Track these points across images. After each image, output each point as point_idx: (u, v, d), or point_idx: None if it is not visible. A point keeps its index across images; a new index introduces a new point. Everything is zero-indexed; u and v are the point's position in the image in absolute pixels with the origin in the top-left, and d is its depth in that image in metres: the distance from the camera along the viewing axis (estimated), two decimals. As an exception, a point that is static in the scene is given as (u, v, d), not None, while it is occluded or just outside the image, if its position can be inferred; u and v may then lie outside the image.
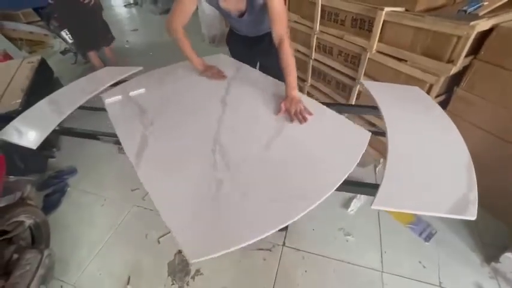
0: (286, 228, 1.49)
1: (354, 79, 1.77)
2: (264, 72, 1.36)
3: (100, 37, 2.89)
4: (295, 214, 0.70)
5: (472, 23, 1.10)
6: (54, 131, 1.03)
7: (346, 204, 1.59)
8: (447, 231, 1.43)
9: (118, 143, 0.95)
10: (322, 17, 1.82)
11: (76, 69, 3.39)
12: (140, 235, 1.54)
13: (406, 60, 1.41)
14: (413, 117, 1.00)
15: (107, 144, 1.12)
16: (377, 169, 1.80)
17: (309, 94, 2.30)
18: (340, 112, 1.03)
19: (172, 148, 0.90)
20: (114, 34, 3.26)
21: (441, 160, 0.81)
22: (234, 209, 0.71)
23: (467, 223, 1.45)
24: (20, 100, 1.90)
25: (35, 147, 0.94)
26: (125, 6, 7.09)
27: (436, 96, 1.40)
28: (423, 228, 1.43)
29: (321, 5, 1.77)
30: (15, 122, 1.07)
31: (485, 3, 1.21)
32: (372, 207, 0.68)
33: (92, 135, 1.07)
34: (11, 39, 3.86)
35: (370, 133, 0.87)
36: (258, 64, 1.59)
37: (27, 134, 1.01)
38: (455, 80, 1.38)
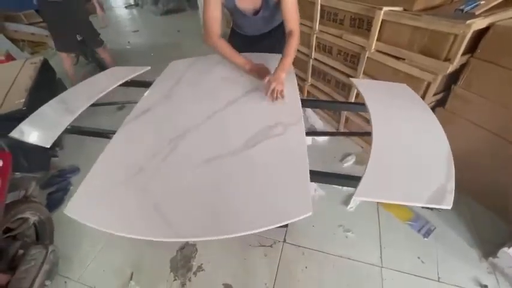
0: (286, 224, 1.51)
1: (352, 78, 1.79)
2: None
3: (75, 40, 2.63)
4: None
5: (468, 22, 1.12)
6: (65, 130, 1.04)
7: (346, 201, 1.61)
8: (446, 228, 1.44)
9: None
10: (321, 16, 1.85)
11: (78, 69, 3.41)
12: (142, 232, 1.56)
13: (404, 59, 1.44)
14: (399, 112, 1.03)
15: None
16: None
17: (308, 93, 2.33)
18: (332, 109, 1.06)
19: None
20: (115, 35, 3.28)
21: (422, 153, 0.84)
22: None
23: (465, 219, 1.47)
24: (23, 100, 1.92)
25: (48, 146, 0.95)
26: (125, 7, 7.13)
27: (434, 94, 1.42)
28: (422, 225, 1.45)
29: (320, 5, 1.80)
30: (27, 121, 1.07)
31: (482, 2, 1.23)
32: (354, 197, 0.71)
33: (102, 134, 1.09)
34: (13, 40, 3.90)
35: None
36: None
37: (40, 132, 1.02)
38: (453, 78, 1.40)
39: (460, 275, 1.26)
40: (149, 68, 1.42)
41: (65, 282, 1.38)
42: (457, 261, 1.31)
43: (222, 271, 1.36)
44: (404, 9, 1.40)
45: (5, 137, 1.33)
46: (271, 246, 1.44)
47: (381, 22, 1.44)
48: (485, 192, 1.48)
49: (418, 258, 1.33)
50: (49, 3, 2.26)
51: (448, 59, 1.26)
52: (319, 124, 2.20)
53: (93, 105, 1.20)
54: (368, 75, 1.69)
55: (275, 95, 1.03)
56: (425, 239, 1.40)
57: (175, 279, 1.34)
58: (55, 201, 1.75)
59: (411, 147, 0.86)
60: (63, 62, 2.68)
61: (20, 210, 1.20)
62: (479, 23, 1.15)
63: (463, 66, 1.33)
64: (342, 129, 2.10)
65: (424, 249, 1.36)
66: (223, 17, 1.25)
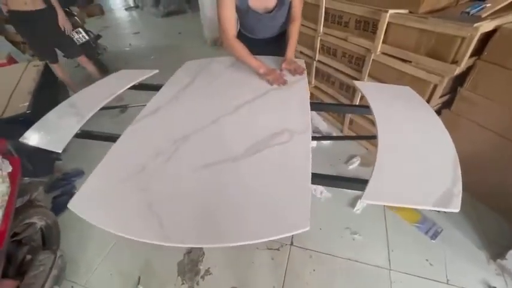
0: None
1: (357, 80, 1.80)
2: None
3: (54, 50, 2.53)
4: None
5: (475, 25, 1.13)
6: (75, 134, 1.04)
7: (352, 203, 1.61)
8: (453, 230, 1.44)
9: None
10: (325, 19, 1.85)
11: (79, 72, 3.41)
12: (149, 236, 1.55)
13: (410, 61, 1.44)
14: (403, 115, 1.03)
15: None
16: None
17: (312, 95, 2.33)
18: (336, 111, 1.06)
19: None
20: (115, 37, 3.25)
21: (428, 155, 0.84)
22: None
23: (472, 221, 1.47)
24: (27, 103, 1.91)
25: (60, 150, 0.95)
26: (125, 9, 7.13)
27: (440, 97, 1.43)
28: (429, 227, 1.45)
29: (325, 7, 1.80)
30: (37, 125, 1.07)
31: (488, 5, 1.23)
32: (362, 200, 0.71)
33: (112, 138, 1.07)
34: (13, 43, 3.89)
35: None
36: None
37: (51, 137, 1.02)
38: (459, 80, 1.40)
39: (469, 277, 1.26)
40: (157, 71, 1.42)
41: (72, 287, 1.37)
42: (465, 263, 1.31)
43: (229, 275, 1.36)
44: (410, 12, 1.40)
45: (11, 140, 1.33)
46: (278, 249, 1.44)
47: (387, 25, 1.45)
48: (492, 194, 1.48)
49: (426, 260, 1.33)
50: (20, 14, 2.16)
51: (455, 62, 1.26)
52: (323, 126, 2.21)
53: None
54: (373, 77, 1.69)
55: (299, 71, 1.23)
56: (433, 241, 1.40)
57: (183, 283, 1.34)
58: (60, 205, 1.74)
59: (417, 150, 0.86)
60: (56, 71, 2.57)
61: (28, 215, 1.19)
62: (486, 26, 1.16)
63: (469, 69, 1.34)
64: (346, 131, 2.10)
65: (432, 251, 1.36)
66: None
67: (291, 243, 1.46)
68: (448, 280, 1.25)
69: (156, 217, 0.69)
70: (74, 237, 1.57)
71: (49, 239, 1.39)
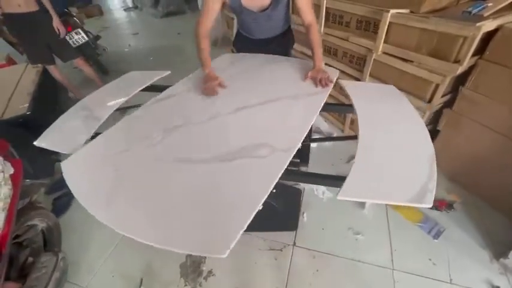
0: (296, 228, 1.50)
1: (358, 80, 1.80)
2: None
3: (47, 51, 2.44)
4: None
5: (478, 24, 1.13)
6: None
7: (354, 203, 1.61)
8: (455, 229, 1.44)
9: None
10: (326, 19, 1.85)
11: (77, 74, 3.39)
12: (151, 237, 1.54)
13: (411, 61, 1.44)
14: (386, 113, 1.04)
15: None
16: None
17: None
18: (321, 110, 1.07)
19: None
20: (115, 38, 3.23)
21: (407, 153, 0.86)
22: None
23: (475, 220, 1.47)
24: (27, 104, 1.91)
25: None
26: (124, 10, 7.12)
27: (442, 96, 1.43)
28: (432, 226, 1.45)
29: (326, 7, 1.80)
30: (51, 129, 1.07)
31: (490, 4, 1.24)
32: (338, 197, 0.73)
33: None
34: (12, 44, 3.87)
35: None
36: None
37: (66, 140, 1.00)
38: (461, 79, 1.41)
39: (472, 276, 1.26)
40: (169, 72, 1.42)
41: (74, 289, 1.36)
42: (468, 262, 1.31)
43: (232, 276, 1.35)
44: (411, 12, 1.40)
45: (12, 142, 1.33)
46: (281, 250, 1.44)
47: (388, 24, 1.45)
48: (494, 193, 1.48)
49: (429, 259, 1.33)
50: (14, 17, 2.13)
51: (457, 61, 1.26)
52: (324, 126, 2.21)
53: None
54: (374, 77, 1.69)
55: (324, 83, 1.15)
56: (436, 240, 1.40)
57: (186, 285, 1.33)
58: (61, 206, 1.74)
59: (396, 147, 0.89)
60: (53, 73, 2.52)
61: (29, 217, 1.19)
62: (488, 25, 1.16)
63: (471, 68, 1.34)
64: (347, 131, 2.10)
65: (435, 251, 1.36)
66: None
67: (294, 244, 1.45)
68: (451, 279, 1.25)
69: (115, 195, 0.77)
70: (74, 239, 1.56)
71: (50, 241, 1.38)
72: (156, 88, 1.34)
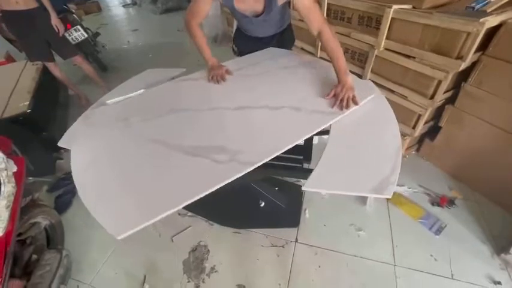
0: (298, 224, 1.51)
1: (360, 77, 1.79)
2: None
3: (46, 48, 2.38)
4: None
5: (481, 20, 1.12)
6: None
7: (355, 199, 1.61)
8: (457, 225, 1.45)
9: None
10: (328, 15, 1.84)
11: (78, 71, 3.37)
12: (153, 234, 1.55)
13: (414, 57, 1.43)
14: (359, 108, 1.03)
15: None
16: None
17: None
18: None
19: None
20: (114, 35, 3.19)
21: (375, 147, 0.89)
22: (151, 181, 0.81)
23: (476, 216, 1.48)
24: (27, 102, 1.90)
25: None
26: (122, 6, 7.06)
27: (444, 92, 1.42)
28: (433, 222, 1.46)
29: (327, 3, 1.79)
30: (71, 131, 1.05)
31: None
32: (303, 188, 0.76)
33: None
34: (11, 41, 3.84)
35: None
36: None
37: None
38: (463, 75, 1.40)
39: (473, 272, 1.27)
40: (184, 69, 1.42)
41: (77, 286, 1.37)
42: (469, 258, 1.32)
43: (235, 272, 1.36)
44: (414, 7, 1.39)
45: (13, 140, 1.32)
46: (283, 246, 1.44)
47: (390, 20, 1.44)
48: (496, 188, 1.49)
49: (431, 255, 1.34)
50: (12, 14, 2.10)
51: (460, 57, 1.26)
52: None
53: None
54: (376, 73, 1.68)
55: (344, 103, 0.96)
56: (437, 236, 1.41)
57: (188, 281, 1.34)
58: (63, 204, 1.74)
59: (365, 141, 0.91)
60: (52, 70, 2.49)
61: (33, 214, 1.19)
62: (492, 21, 1.15)
63: (473, 64, 1.34)
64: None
65: (436, 247, 1.37)
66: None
67: (296, 240, 1.46)
68: (452, 275, 1.26)
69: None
70: (77, 236, 1.57)
71: (53, 239, 1.39)
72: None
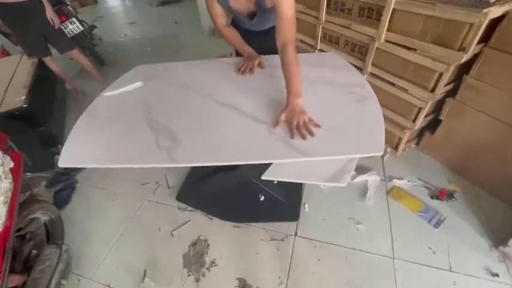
0: (297, 218, 1.51)
1: (361, 69, 1.77)
2: None
3: (44, 42, 2.34)
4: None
5: (485, 10, 1.10)
6: None
7: (355, 193, 1.61)
8: (455, 218, 1.46)
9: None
10: (328, 6, 1.80)
11: (75, 65, 3.33)
12: (153, 229, 1.56)
13: (415, 49, 1.41)
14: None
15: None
16: (384, 158, 1.82)
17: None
18: None
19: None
20: (111, 28, 3.14)
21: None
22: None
23: (475, 209, 1.48)
24: (23, 97, 1.88)
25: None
26: (119, -2, 6.93)
27: (445, 85, 1.41)
28: (432, 215, 1.46)
29: (328, -6, 1.75)
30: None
31: (496, -10, 1.20)
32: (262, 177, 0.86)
33: None
34: (6, 35, 3.77)
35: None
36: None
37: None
38: (464, 68, 1.38)
39: (471, 264, 1.28)
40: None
41: (78, 280, 1.38)
42: (468, 250, 1.33)
43: (235, 266, 1.37)
44: (416, -2, 1.36)
45: (10, 136, 1.31)
46: (282, 240, 1.45)
47: (392, 11, 1.41)
48: (495, 182, 1.49)
49: (430, 248, 1.35)
50: (6, 7, 2.03)
51: (462, 49, 1.24)
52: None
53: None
54: (377, 66, 1.66)
55: (304, 131, 0.84)
56: (436, 229, 1.42)
57: (189, 275, 1.35)
58: (62, 199, 1.74)
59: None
60: (49, 64, 2.45)
61: (32, 210, 1.18)
62: (495, 11, 1.12)
63: (475, 56, 1.32)
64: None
65: (435, 240, 1.38)
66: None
67: (295, 234, 1.46)
68: (450, 267, 1.27)
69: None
70: (77, 232, 1.57)
71: (53, 234, 1.39)
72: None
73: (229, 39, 1.31)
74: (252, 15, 1.24)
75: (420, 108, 1.54)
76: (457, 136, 1.57)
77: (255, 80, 1.21)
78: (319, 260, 1.35)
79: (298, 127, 0.85)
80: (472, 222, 1.43)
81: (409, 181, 1.65)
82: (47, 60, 2.42)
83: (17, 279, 1.04)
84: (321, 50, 2.05)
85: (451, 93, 1.51)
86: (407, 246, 1.37)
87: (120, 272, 1.39)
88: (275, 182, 1.62)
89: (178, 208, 1.65)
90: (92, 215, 1.68)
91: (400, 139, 1.74)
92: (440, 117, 1.61)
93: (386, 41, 1.52)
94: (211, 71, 1.34)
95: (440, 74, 1.36)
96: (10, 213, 0.93)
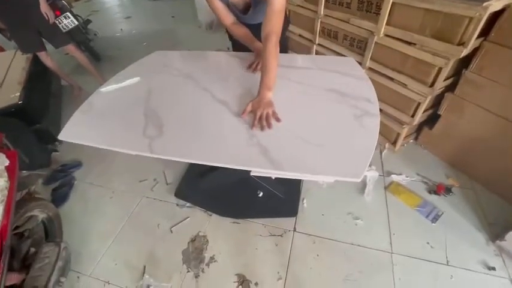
0: (296, 214, 1.52)
1: (359, 64, 1.75)
2: None
3: (39, 38, 2.30)
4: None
5: (485, 4, 1.08)
6: None
7: (353, 189, 1.62)
8: (453, 212, 1.46)
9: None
10: (327, 0, 1.78)
11: (70, 60, 3.29)
12: (152, 225, 1.56)
13: (414, 44, 1.40)
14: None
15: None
16: (383, 153, 1.82)
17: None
18: None
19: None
20: (106, 22, 3.08)
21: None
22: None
23: (472, 204, 1.49)
24: (18, 93, 1.86)
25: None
26: (114, -8, 6.80)
27: (444, 80, 1.40)
28: (430, 210, 1.47)
29: (326, -13, 1.72)
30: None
31: (497, -17, 1.18)
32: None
33: None
34: (-1, 30, 3.71)
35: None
36: None
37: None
38: (464, 62, 1.37)
39: (468, 258, 1.29)
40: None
41: (78, 277, 1.38)
42: (465, 244, 1.34)
43: (234, 262, 1.37)
44: (415, -9, 1.34)
45: (5, 133, 1.29)
46: (281, 235, 1.45)
47: (391, 5, 1.39)
48: (493, 176, 1.49)
49: (427, 243, 1.36)
50: (0, 1, 2.00)
51: (461, 43, 1.23)
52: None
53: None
54: (376, 60, 1.65)
55: (264, 122, 0.87)
56: (433, 224, 1.42)
57: (188, 271, 1.35)
58: (60, 197, 1.73)
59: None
60: (44, 60, 2.41)
61: (29, 208, 1.18)
62: (495, 5, 1.11)
63: (475, 50, 1.30)
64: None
65: (433, 234, 1.39)
66: None
67: (294, 229, 1.47)
68: (448, 261, 1.28)
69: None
70: (75, 229, 1.57)
71: (51, 231, 1.39)
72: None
73: (239, 36, 1.28)
74: (247, 8, 1.23)
75: (419, 103, 1.53)
76: (455, 131, 1.57)
77: (254, 79, 1.17)
78: (317, 255, 1.36)
79: (260, 117, 0.89)
80: (469, 217, 1.44)
81: (407, 176, 1.65)
82: (42, 56, 2.38)
83: (15, 277, 1.04)
84: (319, 45, 2.03)
85: (450, 88, 1.50)
86: (405, 240, 1.38)
87: (119, 269, 1.40)
88: (273, 178, 1.62)
89: (177, 204, 1.65)
90: (90, 212, 1.67)
91: (398, 134, 1.74)
92: (439, 112, 1.60)
93: (386, 35, 1.50)
94: (218, 64, 1.36)
95: (440, 69, 1.35)
96: (7, 212, 0.93)
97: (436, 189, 1.55)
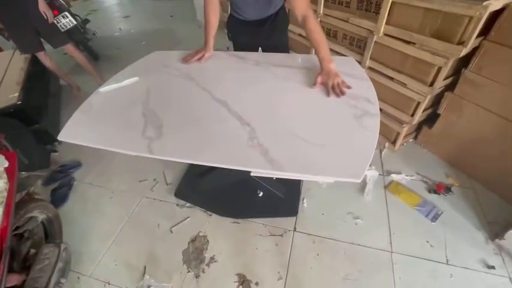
0: (296, 213, 1.52)
1: (359, 63, 1.75)
2: None
3: (37, 37, 2.27)
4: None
5: (485, 3, 1.08)
6: None
7: (354, 188, 1.62)
8: (453, 211, 1.47)
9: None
10: (326, -1, 1.78)
11: (69, 60, 3.27)
12: (152, 225, 1.55)
13: (414, 43, 1.40)
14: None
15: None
16: (383, 153, 1.82)
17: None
18: None
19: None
20: (105, 21, 3.06)
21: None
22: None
23: (471, 203, 1.49)
24: (17, 94, 1.85)
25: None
26: (112, -9, 6.77)
27: (444, 79, 1.40)
28: (429, 209, 1.47)
29: (325, -14, 1.72)
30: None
31: (496, -18, 1.18)
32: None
33: None
34: (-3, 30, 3.69)
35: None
36: (260, 49, 1.58)
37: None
38: (463, 62, 1.37)
39: (468, 257, 1.29)
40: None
41: (78, 278, 1.38)
42: (465, 243, 1.34)
43: (234, 262, 1.37)
44: (415, -10, 1.34)
45: (4, 134, 1.29)
46: (281, 235, 1.46)
47: (391, 4, 1.39)
48: (493, 176, 1.50)
49: (427, 242, 1.36)
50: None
51: (461, 42, 1.23)
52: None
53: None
54: (375, 60, 1.65)
55: (338, 90, 0.98)
56: (433, 223, 1.43)
57: (188, 271, 1.35)
58: (60, 197, 1.72)
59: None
60: (42, 60, 2.38)
61: (29, 209, 1.17)
62: (495, 4, 1.11)
63: (474, 50, 1.31)
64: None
65: (432, 233, 1.39)
66: (220, 1, 1.24)
67: (294, 229, 1.47)
68: (447, 260, 1.29)
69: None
70: (75, 230, 1.57)
71: (51, 232, 1.38)
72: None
73: (206, 25, 1.32)
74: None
75: (419, 103, 1.53)
76: (455, 130, 1.57)
77: (254, 79, 1.19)
78: (318, 254, 1.36)
79: (333, 87, 0.99)
80: (469, 216, 1.45)
81: (407, 175, 1.66)
82: (41, 56, 2.37)
83: (15, 278, 1.03)
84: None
85: (450, 87, 1.50)
86: (405, 240, 1.38)
87: (119, 269, 1.40)
88: (274, 178, 1.62)
89: (177, 205, 1.65)
90: (90, 212, 1.67)
91: (398, 133, 1.74)
92: (438, 112, 1.61)
93: (385, 34, 1.50)
94: (217, 63, 1.34)
95: (439, 68, 1.36)
96: (6, 213, 0.92)
97: (436, 189, 1.56)
